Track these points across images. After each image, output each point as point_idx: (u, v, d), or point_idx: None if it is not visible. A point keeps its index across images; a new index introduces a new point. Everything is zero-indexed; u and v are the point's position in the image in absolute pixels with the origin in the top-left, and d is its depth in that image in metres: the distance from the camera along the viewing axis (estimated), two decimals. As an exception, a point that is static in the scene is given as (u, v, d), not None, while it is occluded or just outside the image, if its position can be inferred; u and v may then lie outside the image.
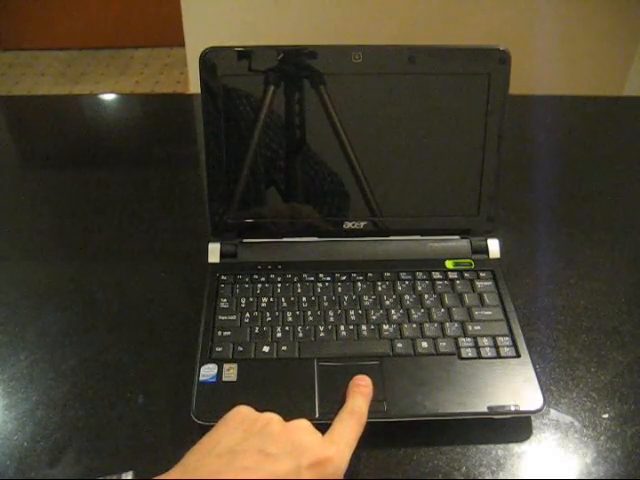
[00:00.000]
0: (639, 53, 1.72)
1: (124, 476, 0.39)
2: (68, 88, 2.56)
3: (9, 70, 2.71)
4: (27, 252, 0.68)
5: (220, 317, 0.55)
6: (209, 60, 0.55)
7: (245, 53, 0.56)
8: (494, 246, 0.61)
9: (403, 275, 0.59)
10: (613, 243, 0.69)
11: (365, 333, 0.54)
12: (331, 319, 0.55)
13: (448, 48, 0.57)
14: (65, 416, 0.50)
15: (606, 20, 1.68)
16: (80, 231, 0.71)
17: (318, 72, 0.56)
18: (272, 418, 0.43)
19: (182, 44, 1.73)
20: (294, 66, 0.56)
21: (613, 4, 1.66)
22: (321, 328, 0.54)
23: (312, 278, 0.58)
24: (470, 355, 0.52)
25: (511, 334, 0.54)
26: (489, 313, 0.55)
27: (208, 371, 0.50)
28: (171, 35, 2.54)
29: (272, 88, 0.56)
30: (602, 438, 0.49)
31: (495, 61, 0.56)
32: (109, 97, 1.04)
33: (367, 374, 0.50)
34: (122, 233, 0.70)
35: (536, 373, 0.51)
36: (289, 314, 0.55)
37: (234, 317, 0.55)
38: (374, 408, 0.48)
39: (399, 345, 0.52)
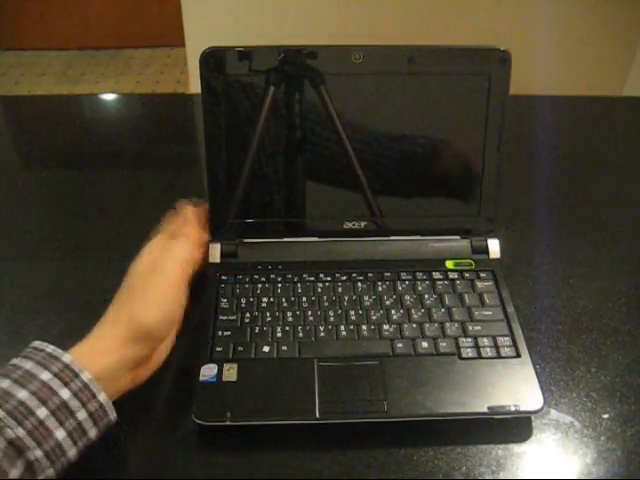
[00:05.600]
0: (639, 53, 1.72)
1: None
2: (68, 88, 2.56)
3: (9, 70, 2.71)
4: (27, 252, 0.68)
5: (220, 317, 0.55)
6: (209, 60, 0.55)
7: (245, 53, 0.56)
8: (494, 246, 0.61)
9: (403, 275, 0.59)
10: (613, 243, 0.69)
11: (365, 333, 0.54)
12: (331, 319, 0.55)
13: (448, 48, 0.57)
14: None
15: (606, 20, 1.68)
16: (80, 231, 0.71)
17: (318, 72, 0.56)
18: None
19: (182, 44, 1.72)
20: (294, 66, 0.56)
21: (613, 4, 1.66)
22: (321, 328, 0.54)
23: (312, 278, 0.58)
24: (470, 355, 0.52)
25: (511, 334, 0.54)
26: (489, 313, 0.55)
27: (208, 371, 0.50)
28: (171, 35, 2.54)
29: (272, 88, 0.56)
30: (602, 438, 0.49)
31: (495, 61, 0.56)
32: (109, 97, 1.05)
33: (367, 374, 0.50)
34: (122, 233, 0.70)
35: (536, 373, 0.51)
36: (289, 314, 0.55)
37: (234, 317, 0.55)
38: (374, 408, 0.48)
39: (399, 345, 0.52)
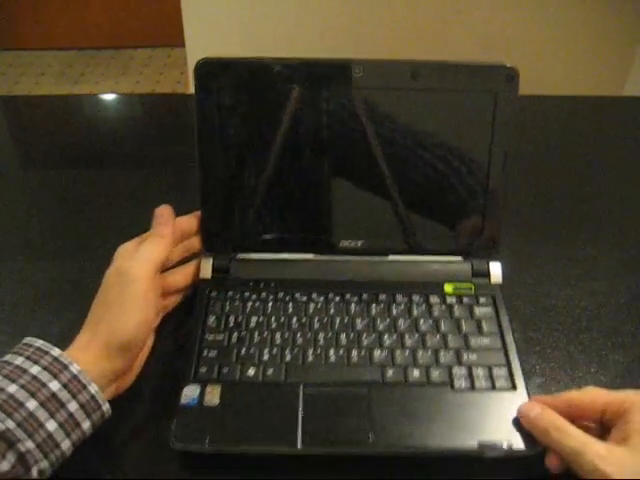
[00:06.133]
0: (639, 53, 1.72)
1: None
2: (68, 88, 2.56)
3: (9, 70, 2.71)
4: (27, 252, 0.68)
5: (207, 336, 0.53)
6: (203, 71, 0.54)
7: (241, 65, 0.54)
8: (496, 269, 0.59)
9: (399, 298, 0.56)
10: (613, 243, 0.69)
11: (355, 359, 0.51)
12: (321, 342, 0.52)
13: (453, 64, 0.54)
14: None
15: (606, 20, 1.68)
16: (80, 231, 0.70)
17: (316, 86, 0.54)
18: None
19: (182, 44, 1.72)
20: (291, 79, 0.54)
21: (613, 4, 1.66)
22: (310, 352, 0.52)
23: (305, 298, 0.56)
24: (463, 386, 0.50)
25: (508, 365, 0.51)
26: (486, 341, 0.53)
27: (190, 392, 0.48)
28: (171, 35, 2.54)
29: (268, 101, 0.55)
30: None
31: (502, 79, 0.54)
32: (109, 97, 1.04)
33: (354, 402, 0.48)
34: (122, 233, 0.70)
35: None
36: (278, 335, 0.53)
37: (222, 336, 0.53)
38: (359, 439, 0.46)
39: (390, 373, 0.50)
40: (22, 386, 0.41)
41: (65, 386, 0.42)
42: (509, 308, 0.56)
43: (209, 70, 0.54)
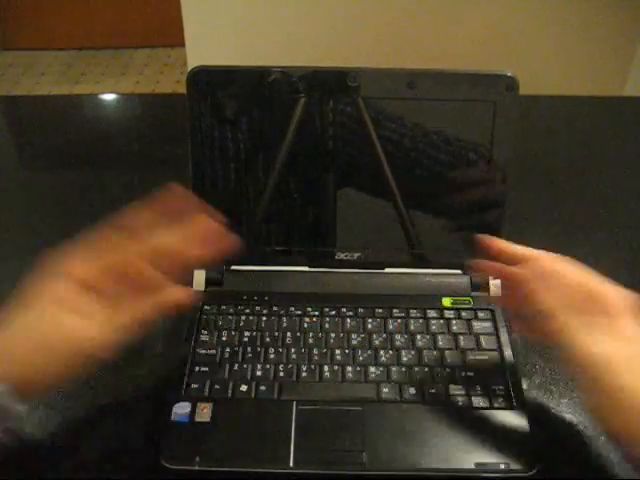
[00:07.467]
0: (639, 53, 1.72)
1: None
2: (68, 88, 2.56)
3: (9, 70, 2.71)
4: (27, 252, 0.68)
5: (199, 351, 0.52)
6: (197, 79, 0.53)
7: (234, 73, 0.53)
8: (495, 282, 0.58)
9: (396, 312, 0.55)
10: (613, 243, 0.69)
11: (350, 375, 0.50)
12: (315, 358, 0.51)
13: (451, 73, 0.53)
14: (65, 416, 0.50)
15: (606, 20, 1.68)
16: (80, 231, 0.70)
17: (311, 95, 0.53)
18: None
19: (182, 44, 1.72)
20: (285, 88, 0.53)
21: (613, 4, 1.66)
22: (304, 368, 0.51)
23: (299, 312, 0.55)
24: (460, 404, 0.48)
25: (506, 383, 0.50)
26: (485, 358, 0.52)
27: (181, 410, 0.47)
28: (171, 35, 2.54)
29: (262, 110, 0.54)
30: (602, 438, 0.49)
31: (502, 88, 0.52)
32: (109, 97, 1.05)
33: (348, 421, 0.47)
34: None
35: (530, 427, 0.47)
36: (271, 351, 0.52)
37: (214, 351, 0.52)
38: (352, 459, 0.45)
39: (385, 390, 0.49)
40: None
41: None
42: (508, 318, 0.55)
43: (202, 78, 0.53)
